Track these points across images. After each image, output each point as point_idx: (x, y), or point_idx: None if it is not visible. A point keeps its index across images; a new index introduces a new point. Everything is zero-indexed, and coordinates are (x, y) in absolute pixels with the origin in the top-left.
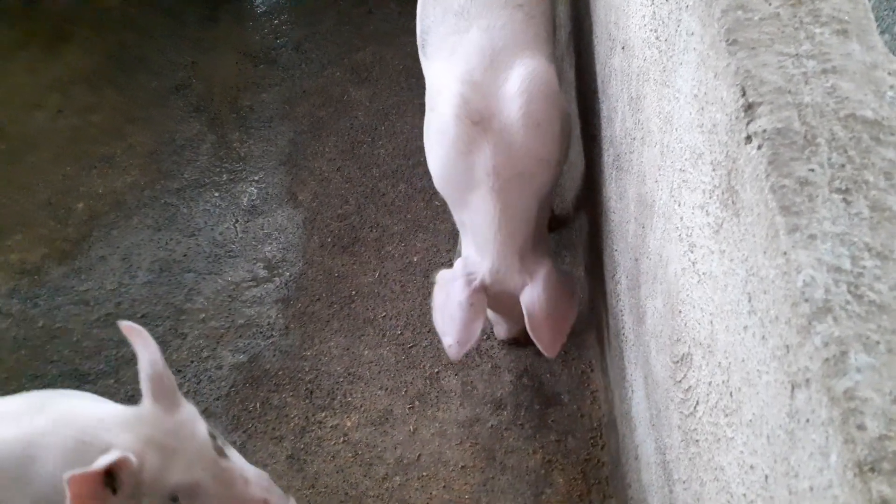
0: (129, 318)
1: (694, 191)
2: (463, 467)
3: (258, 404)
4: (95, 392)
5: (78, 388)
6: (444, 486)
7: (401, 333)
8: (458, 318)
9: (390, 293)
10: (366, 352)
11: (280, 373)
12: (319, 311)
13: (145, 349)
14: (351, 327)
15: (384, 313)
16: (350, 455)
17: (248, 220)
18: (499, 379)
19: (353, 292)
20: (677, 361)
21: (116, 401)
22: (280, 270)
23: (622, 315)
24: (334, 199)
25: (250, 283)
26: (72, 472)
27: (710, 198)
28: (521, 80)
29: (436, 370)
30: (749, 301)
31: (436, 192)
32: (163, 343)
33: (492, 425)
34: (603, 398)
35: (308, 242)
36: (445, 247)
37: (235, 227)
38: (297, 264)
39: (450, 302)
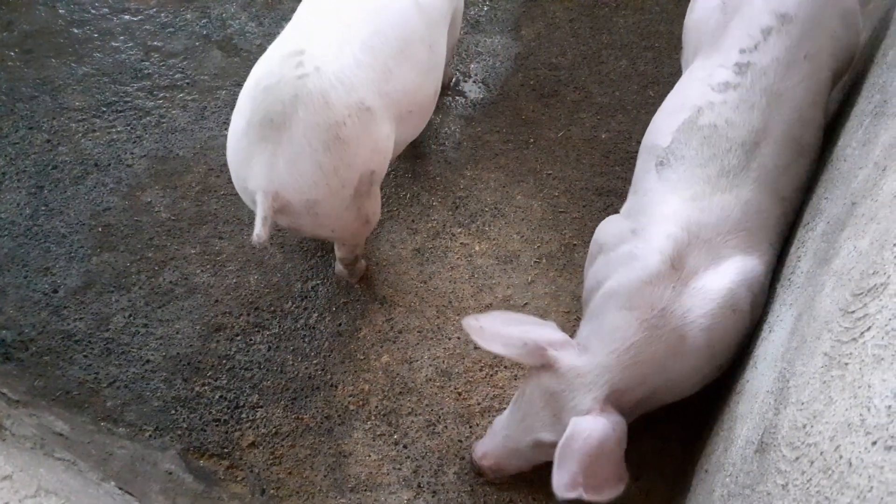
0: None
1: None
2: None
3: (409, 195)
4: None
5: None
6: None
7: (557, 196)
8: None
9: (564, 156)
10: (518, 196)
11: (437, 178)
12: (494, 142)
13: None
14: (515, 169)
15: (550, 171)
16: (467, 274)
17: (466, 32)
18: None
19: (532, 140)
20: (859, 294)
21: None
22: (476, 90)
23: (798, 261)
24: (554, 47)
25: (445, 90)
26: None
27: None
28: (725, 289)
29: (574, 242)
30: None
31: (653, 82)
32: None
33: None
34: None
35: (512, 76)
36: (637, 136)
37: None
38: (494, 91)
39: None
